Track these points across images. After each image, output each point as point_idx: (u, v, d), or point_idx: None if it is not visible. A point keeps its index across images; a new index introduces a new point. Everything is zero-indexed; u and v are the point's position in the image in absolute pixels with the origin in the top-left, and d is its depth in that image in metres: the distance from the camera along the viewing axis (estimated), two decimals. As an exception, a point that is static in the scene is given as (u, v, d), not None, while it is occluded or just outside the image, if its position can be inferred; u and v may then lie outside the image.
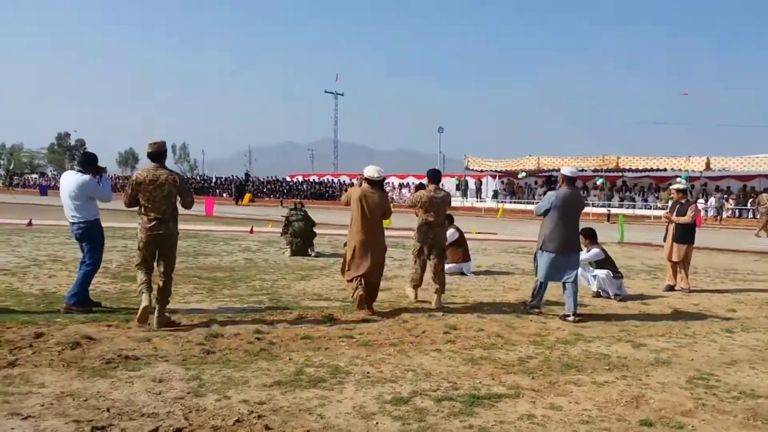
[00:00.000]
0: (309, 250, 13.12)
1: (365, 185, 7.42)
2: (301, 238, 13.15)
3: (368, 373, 4.93)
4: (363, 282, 7.18)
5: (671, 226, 9.76)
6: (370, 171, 7.45)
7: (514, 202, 42.91)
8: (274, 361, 5.16)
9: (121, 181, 56.24)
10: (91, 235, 6.93)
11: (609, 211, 32.85)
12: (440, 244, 8.12)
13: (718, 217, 33.27)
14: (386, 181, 51.98)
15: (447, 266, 9.79)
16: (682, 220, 9.65)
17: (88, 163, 7.08)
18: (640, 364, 5.44)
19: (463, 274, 10.81)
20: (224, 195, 48.55)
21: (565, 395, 4.56)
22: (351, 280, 7.34)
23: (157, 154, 6.46)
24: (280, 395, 4.35)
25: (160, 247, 6.35)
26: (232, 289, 8.60)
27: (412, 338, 6.13)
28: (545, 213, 7.51)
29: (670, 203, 10.16)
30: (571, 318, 7.20)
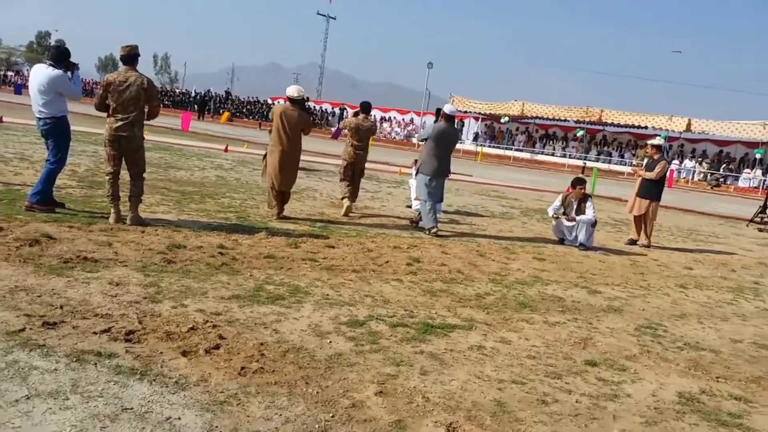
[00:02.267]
0: None
1: (287, 103, 8.20)
2: None
3: (327, 295, 4.98)
4: (276, 189, 8.06)
5: (638, 181, 9.86)
6: (291, 90, 8.22)
7: (494, 146, 42.92)
8: (235, 276, 5.18)
9: (96, 87, 54.73)
10: (57, 132, 6.77)
11: (585, 163, 33.06)
12: (361, 164, 9.43)
13: (719, 183, 33.57)
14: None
15: (416, 203, 9.91)
16: (648, 174, 9.74)
17: (61, 58, 6.84)
18: (592, 309, 5.58)
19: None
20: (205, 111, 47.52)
21: (516, 331, 4.67)
22: (271, 189, 8.17)
23: (129, 57, 6.43)
24: (237, 308, 4.38)
25: (124, 151, 6.36)
26: (200, 203, 8.53)
27: (375, 267, 6.18)
28: (425, 141, 8.65)
29: (645, 161, 10.23)
30: (433, 230, 8.29)
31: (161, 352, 3.50)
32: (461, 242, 8.19)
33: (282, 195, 8.18)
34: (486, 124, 45.85)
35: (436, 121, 9.06)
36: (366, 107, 9.75)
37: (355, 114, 9.81)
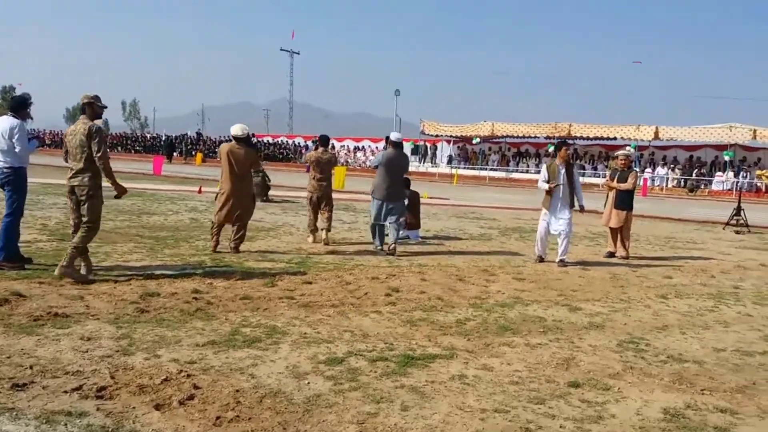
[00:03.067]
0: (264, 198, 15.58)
1: (232, 142, 8.46)
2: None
3: (305, 333, 4.90)
4: (220, 228, 8.38)
5: (611, 193, 9.93)
6: (235, 129, 8.50)
7: (468, 168, 43.20)
8: (210, 321, 5.08)
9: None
10: (14, 183, 6.67)
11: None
12: (327, 194, 9.78)
13: (694, 189, 34.04)
14: (342, 143, 51.54)
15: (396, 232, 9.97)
16: (624, 186, 9.83)
17: (18, 108, 6.81)
18: (574, 328, 5.55)
19: (408, 239, 10.79)
20: (174, 154, 47.34)
21: (498, 356, 4.62)
22: (213, 225, 8.44)
23: (82, 106, 6.46)
24: (213, 355, 4.28)
25: (78, 199, 6.29)
26: (174, 248, 8.42)
27: (353, 300, 6.12)
28: (377, 167, 9.26)
29: (617, 173, 10.27)
30: (392, 247, 8.91)
31: (134, 407, 3.40)
32: (440, 268, 8.15)
33: (238, 230, 8.38)
34: (459, 147, 46.19)
35: (385, 149, 9.70)
36: (324, 140, 10.16)
37: (315, 147, 10.21)
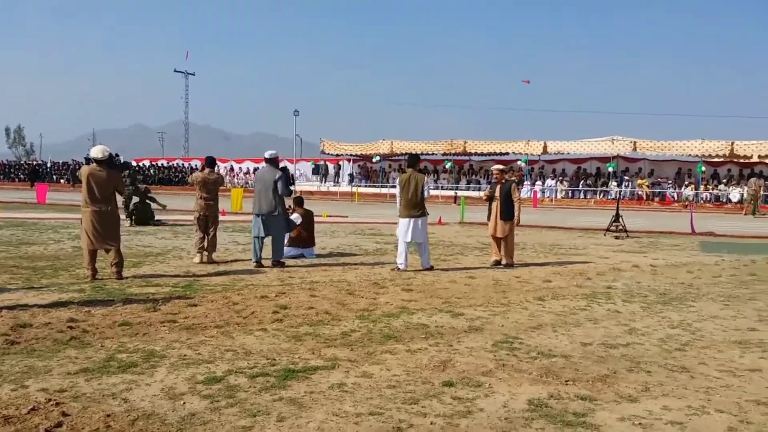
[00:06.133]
0: (151, 221, 16.11)
1: (93, 164, 8.29)
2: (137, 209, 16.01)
3: (185, 355, 4.83)
4: (94, 255, 8.12)
5: (494, 205, 10.34)
6: (95, 151, 8.37)
7: (369, 186, 43.65)
8: (84, 349, 4.90)
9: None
10: None
11: (456, 193, 34.32)
12: (214, 214, 10.08)
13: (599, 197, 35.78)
14: (241, 165, 50.78)
15: (288, 250, 10.08)
16: (517, 197, 10.30)
17: None
18: (454, 332, 5.76)
19: (303, 257, 10.82)
20: (61, 181, 45.11)
21: (379, 364, 4.74)
22: (87, 251, 8.11)
23: None
24: (84, 382, 4.15)
25: None
26: (52, 278, 8.05)
27: (239, 319, 6.07)
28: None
29: (498, 186, 10.70)
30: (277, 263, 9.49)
31: (-6, 442, 3.25)
32: (331, 283, 8.22)
33: (115, 254, 8.19)
34: (359, 165, 46.64)
35: (204, 168, 10.50)
36: (210, 162, 10.63)
37: (201, 168, 10.51)
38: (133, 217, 15.90)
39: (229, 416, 3.63)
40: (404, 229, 9.55)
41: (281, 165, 10.62)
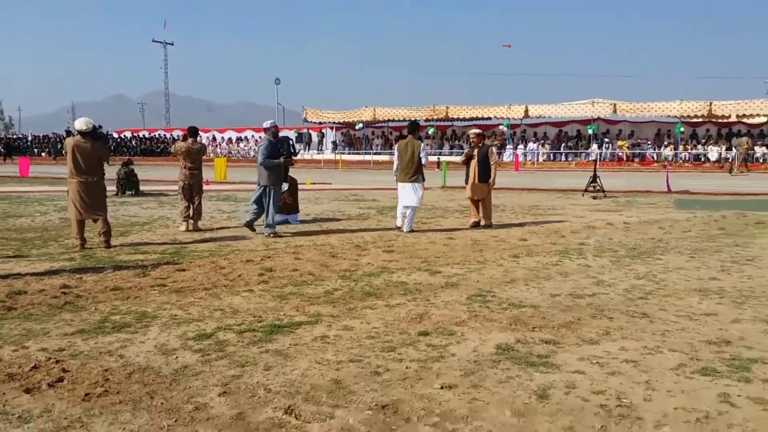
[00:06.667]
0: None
1: (78, 136, 8.38)
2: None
3: (176, 315, 5.10)
4: (82, 225, 8.30)
5: (472, 168, 10.60)
6: (79, 123, 8.45)
7: (353, 153, 43.74)
8: (79, 312, 5.16)
9: None
10: None
11: (439, 158, 34.53)
12: (198, 183, 10.29)
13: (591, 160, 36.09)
14: (223, 134, 50.58)
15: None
16: (495, 160, 10.58)
17: None
18: (431, 288, 6.07)
19: (288, 222, 11.08)
20: (42, 154, 44.78)
21: (359, 318, 5.04)
22: (75, 221, 8.30)
23: None
24: (81, 342, 4.41)
25: None
26: (42, 248, 8.26)
27: (226, 282, 6.34)
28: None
29: (475, 149, 10.95)
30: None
31: (3, 393, 3.51)
32: (315, 246, 8.50)
33: (100, 225, 8.38)
34: (342, 133, 46.64)
35: (187, 138, 10.55)
36: (193, 132, 10.74)
37: (184, 138, 10.64)
38: (122, 186, 16.57)
39: (219, 367, 3.92)
40: (401, 192, 9.97)
41: (282, 134, 10.57)
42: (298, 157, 42.22)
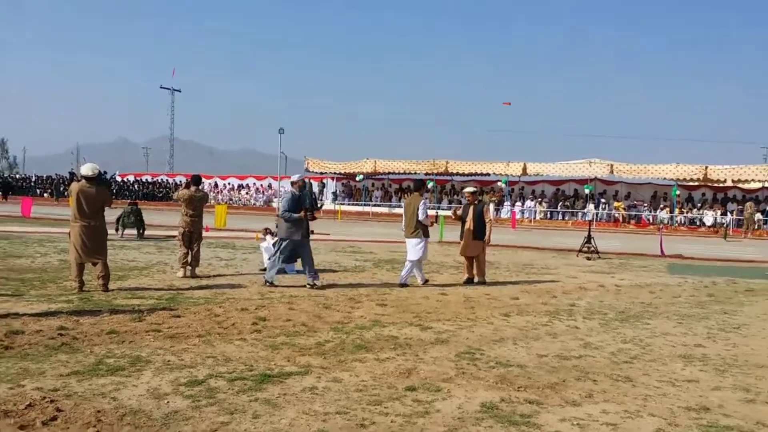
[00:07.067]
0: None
1: (83, 181, 8.67)
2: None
3: (169, 361, 5.21)
4: (81, 268, 8.48)
5: (467, 226, 10.81)
6: (85, 169, 8.78)
7: (352, 204, 44.08)
8: (75, 354, 5.27)
9: None
10: None
11: (437, 213, 34.82)
12: (198, 230, 10.49)
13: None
14: (225, 181, 50.98)
15: (266, 262, 10.54)
16: (489, 217, 10.84)
17: None
18: (421, 344, 6.19)
19: (285, 272, 11.21)
20: (45, 195, 45.17)
21: (348, 370, 5.15)
22: (76, 264, 8.47)
23: None
24: (76, 383, 4.52)
25: None
26: (40, 289, 8.40)
27: (220, 330, 6.46)
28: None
29: (470, 207, 11.18)
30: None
31: (-3, 431, 3.62)
32: (309, 297, 8.62)
33: (102, 267, 8.56)
34: (343, 183, 47.09)
35: (189, 186, 10.78)
36: (196, 180, 10.95)
37: (187, 186, 10.92)
38: (123, 223, 17.02)
39: (208, 413, 4.03)
40: (407, 246, 10.34)
41: (306, 183, 10.57)
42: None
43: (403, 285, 10.01)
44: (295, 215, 9.49)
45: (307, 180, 10.67)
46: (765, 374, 5.59)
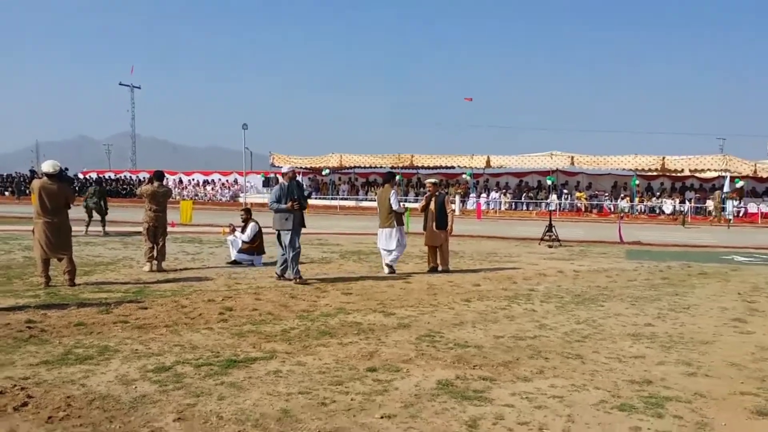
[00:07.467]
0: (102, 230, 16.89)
1: (44, 178, 8.68)
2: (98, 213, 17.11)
3: (136, 350, 5.35)
4: (47, 264, 8.55)
5: (430, 215, 11.09)
6: (46, 166, 8.79)
7: (319, 198, 44.12)
8: (43, 345, 5.38)
9: None
10: None
11: (404, 205, 35.11)
12: (163, 225, 10.64)
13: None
14: (190, 177, 50.46)
15: (239, 255, 10.67)
16: (451, 208, 11.15)
17: None
18: (384, 329, 6.42)
19: (253, 264, 11.37)
20: (6, 194, 44.28)
21: (312, 354, 5.35)
22: (41, 260, 8.52)
23: None
24: (46, 371, 4.64)
25: None
26: (6, 285, 8.42)
27: (187, 320, 6.59)
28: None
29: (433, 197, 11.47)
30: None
31: (-32, 419, 3.73)
32: (276, 287, 8.79)
33: (68, 263, 8.57)
34: (309, 178, 47.09)
35: (153, 182, 10.96)
36: (159, 176, 11.22)
37: (150, 181, 11.01)
38: (86, 208, 17.07)
39: (175, 396, 4.19)
40: (378, 237, 10.86)
41: (269, 176, 10.92)
42: (265, 200, 42.49)
43: (393, 271, 10.51)
44: (283, 206, 9.56)
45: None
46: (708, 350, 5.94)
